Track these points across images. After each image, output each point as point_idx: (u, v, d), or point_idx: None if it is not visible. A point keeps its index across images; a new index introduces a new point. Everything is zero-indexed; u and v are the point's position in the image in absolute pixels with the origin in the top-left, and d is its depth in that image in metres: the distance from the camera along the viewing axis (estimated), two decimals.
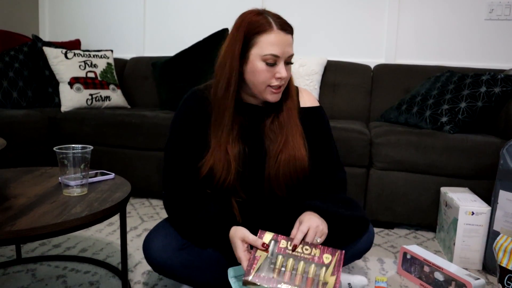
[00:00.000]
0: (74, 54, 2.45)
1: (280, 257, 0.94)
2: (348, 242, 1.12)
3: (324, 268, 0.92)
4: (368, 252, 1.44)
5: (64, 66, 2.39)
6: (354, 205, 1.13)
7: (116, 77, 2.60)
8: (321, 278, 0.90)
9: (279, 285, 0.89)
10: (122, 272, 1.21)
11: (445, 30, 2.48)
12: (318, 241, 0.98)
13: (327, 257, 0.94)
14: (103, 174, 1.30)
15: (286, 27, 1.04)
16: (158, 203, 2.15)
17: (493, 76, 1.87)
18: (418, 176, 1.80)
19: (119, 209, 1.08)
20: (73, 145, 1.12)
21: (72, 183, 1.10)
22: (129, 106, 2.60)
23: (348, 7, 2.61)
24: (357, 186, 1.87)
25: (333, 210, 1.04)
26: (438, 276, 1.30)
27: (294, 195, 1.13)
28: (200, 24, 2.84)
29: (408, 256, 1.42)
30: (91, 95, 2.39)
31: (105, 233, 1.72)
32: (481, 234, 1.48)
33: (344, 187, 1.19)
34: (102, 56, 2.57)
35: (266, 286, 0.89)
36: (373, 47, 2.60)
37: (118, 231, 1.73)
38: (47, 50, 2.41)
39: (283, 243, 0.97)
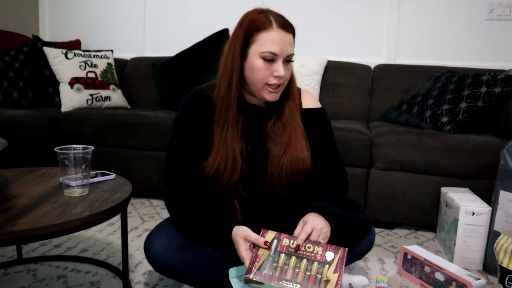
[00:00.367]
0: (75, 54, 2.45)
1: (282, 255, 0.94)
2: (350, 243, 1.12)
3: (327, 266, 0.91)
4: (368, 252, 1.44)
5: (64, 66, 2.39)
6: (357, 206, 1.13)
7: (116, 77, 2.60)
8: (323, 275, 0.90)
9: (280, 282, 0.89)
10: (123, 272, 1.21)
11: (445, 30, 2.48)
12: (321, 242, 0.98)
13: (329, 255, 0.94)
14: (103, 174, 1.30)
15: (286, 26, 1.04)
16: (158, 203, 2.15)
17: (494, 76, 1.87)
18: (419, 176, 1.80)
19: (120, 209, 1.08)
20: (74, 146, 1.12)
21: (73, 183, 1.10)
22: (129, 106, 2.60)
23: (349, 7, 2.61)
24: (358, 186, 1.87)
25: (338, 212, 1.04)
26: (439, 276, 1.30)
27: (295, 196, 1.13)
28: (200, 24, 2.84)
29: (409, 256, 1.42)
30: (91, 95, 2.39)
31: (106, 233, 1.72)
32: (481, 234, 1.48)
33: (346, 188, 1.19)
34: (102, 56, 2.57)
35: (267, 283, 0.89)
36: (374, 47, 2.60)
37: (119, 231, 1.74)
38: (47, 50, 2.41)
39: (285, 241, 0.97)
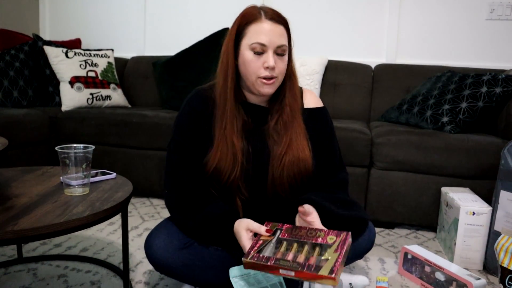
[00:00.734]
0: (75, 53, 2.45)
1: (284, 242, 0.94)
2: None
3: (328, 248, 0.90)
4: (369, 252, 1.44)
5: (64, 65, 2.39)
6: (353, 205, 1.13)
7: (116, 76, 2.60)
8: (324, 256, 0.88)
9: (278, 262, 0.87)
10: (123, 271, 1.21)
11: (446, 30, 2.48)
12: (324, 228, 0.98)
13: (331, 238, 0.92)
14: (104, 173, 1.30)
15: (275, 17, 1.05)
16: (159, 203, 2.15)
17: (494, 76, 1.87)
18: (419, 176, 1.80)
19: (121, 209, 1.08)
20: (75, 145, 1.12)
21: (73, 182, 1.10)
22: (129, 106, 2.60)
23: (349, 7, 2.61)
24: (358, 186, 1.87)
25: (330, 209, 1.04)
26: (439, 276, 1.30)
27: (297, 196, 1.13)
28: (200, 24, 2.84)
29: (409, 256, 1.42)
30: (91, 94, 2.38)
31: (106, 232, 1.72)
32: (482, 234, 1.48)
33: (345, 187, 1.18)
34: (103, 55, 2.57)
35: (264, 265, 0.87)
36: (374, 47, 2.60)
37: (119, 231, 1.74)
38: (48, 49, 2.41)
39: (287, 230, 0.97)
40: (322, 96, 2.40)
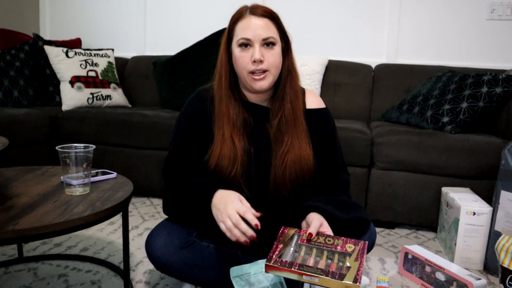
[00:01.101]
0: (75, 53, 2.45)
1: (303, 247, 0.95)
2: None
3: (347, 256, 0.92)
4: (369, 252, 1.44)
5: (65, 65, 2.39)
6: (354, 206, 1.12)
7: (117, 76, 2.60)
8: (344, 264, 0.90)
9: (301, 268, 0.89)
10: (124, 271, 1.21)
11: (446, 30, 2.48)
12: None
13: (350, 246, 0.95)
14: (104, 173, 1.30)
15: (259, 11, 1.07)
16: (159, 202, 2.15)
17: (495, 76, 1.87)
18: (419, 176, 1.80)
19: (121, 208, 1.08)
20: (75, 144, 1.12)
21: (74, 182, 1.10)
22: (130, 105, 2.60)
23: (349, 6, 2.61)
24: (358, 185, 1.87)
25: (334, 213, 1.04)
26: (440, 276, 1.30)
27: (299, 196, 1.13)
28: (201, 23, 2.84)
29: (410, 256, 1.42)
30: (92, 94, 2.38)
31: (106, 232, 1.72)
32: (482, 234, 1.48)
33: (347, 189, 1.18)
34: (103, 55, 2.56)
35: (287, 270, 0.89)
36: (374, 47, 2.60)
37: (119, 230, 1.73)
38: (48, 49, 2.41)
39: (306, 235, 0.98)
40: (322, 96, 2.40)
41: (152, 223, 1.85)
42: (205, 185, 1.06)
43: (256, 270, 1.04)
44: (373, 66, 2.50)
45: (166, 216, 1.30)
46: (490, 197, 1.56)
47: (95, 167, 1.28)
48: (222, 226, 0.97)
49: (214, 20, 2.77)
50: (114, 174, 1.30)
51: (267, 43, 1.06)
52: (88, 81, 2.40)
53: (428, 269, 1.35)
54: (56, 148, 1.09)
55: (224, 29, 1.14)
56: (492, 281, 1.43)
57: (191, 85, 2.35)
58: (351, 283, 0.84)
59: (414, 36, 2.53)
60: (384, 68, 2.45)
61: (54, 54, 2.40)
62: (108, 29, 3.06)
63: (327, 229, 1.00)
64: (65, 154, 1.07)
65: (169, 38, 2.93)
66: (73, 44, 2.80)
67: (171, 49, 2.81)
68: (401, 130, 1.87)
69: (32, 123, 2.09)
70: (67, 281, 1.30)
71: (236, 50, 1.08)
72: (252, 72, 1.06)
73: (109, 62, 2.57)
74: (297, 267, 0.89)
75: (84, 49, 2.52)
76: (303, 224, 1.05)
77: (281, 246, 0.95)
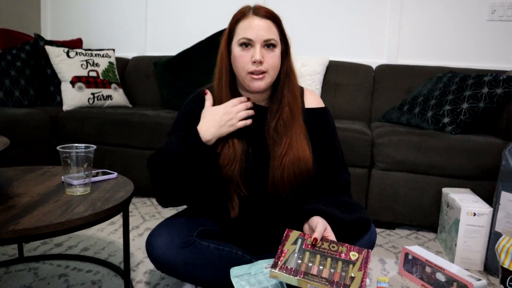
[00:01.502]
0: (76, 53, 2.45)
1: (307, 253, 0.95)
2: (350, 241, 1.12)
3: (351, 265, 0.92)
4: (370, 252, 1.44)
5: (66, 65, 2.39)
6: (355, 206, 1.12)
7: (117, 76, 2.60)
8: (348, 273, 0.91)
9: (306, 277, 0.89)
10: (124, 271, 1.21)
11: (447, 31, 2.48)
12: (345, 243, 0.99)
13: (353, 254, 0.95)
14: (105, 173, 1.30)
15: (262, 12, 1.07)
16: None
17: (495, 77, 1.87)
18: (420, 177, 1.80)
19: (122, 208, 1.08)
20: (76, 145, 1.12)
21: (75, 182, 1.10)
22: (130, 105, 2.60)
23: (350, 7, 2.61)
24: (359, 186, 1.87)
25: (336, 215, 1.04)
26: (440, 276, 1.30)
27: (298, 197, 1.13)
28: (202, 24, 2.84)
29: (410, 257, 1.42)
30: (93, 94, 2.39)
31: (107, 232, 1.72)
32: (482, 235, 1.48)
33: (347, 189, 1.18)
34: (104, 55, 2.57)
35: (293, 277, 0.89)
36: (375, 47, 2.60)
37: (120, 230, 1.74)
38: (49, 49, 2.42)
39: (310, 240, 0.98)
40: (323, 96, 2.40)
41: (152, 223, 1.85)
42: (186, 134, 1.09)
43: (256, 270, 1.05)
44: (374, 66, 2.50)
45: (166, 216, 1.31)
46: (490, 198, 1.56)
47: (96, 167, 1.29)
48: (223, 118, 1.06)
49: (215, 20, 2.77)
50: (115, 174, 1.30)
51: (268, 45, 1.06)
52: (89, 81, 2.41)
53: (428, 269, 1.35)
54: (57, 148, 1.09)
55: (225, 29, 1.14)
56: (493, 282, 1.43)
57: (191, 85, 2.36)
58: None
59: (415, 36, 2.53)
60: (385, 69, 2.45)
61: (55, 54, 2.40)
62: (109, 29, 3.07)
63: (331, 234, 0.99)
64: (66, 154, 1.07)
65: (170, 38, 2.94)
66: (74, 44, 2.80)
67: (172, 49, 2.81)
68: (401, 130, 1.87)
69: (33, 123, 2.09)
70: (67, 281, 1.30)
71: (236, 49, 1.08)
72: (251, 72, 1.06)
73: (110, 62, 2.57)
74: (302, 276, 0.89)
75: (85, 49, 2.53)
76: (305, 227, 1.05)
77: (286, 251, 0.95)
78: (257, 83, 1.08)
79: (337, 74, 2.45)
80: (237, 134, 1.10)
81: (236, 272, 1.03)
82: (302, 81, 2.34)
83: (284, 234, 1.00)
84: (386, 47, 2.58)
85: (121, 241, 1.63)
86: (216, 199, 1.15)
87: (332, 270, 0.91)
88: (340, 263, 0.93)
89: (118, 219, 1.86)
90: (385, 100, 2.36)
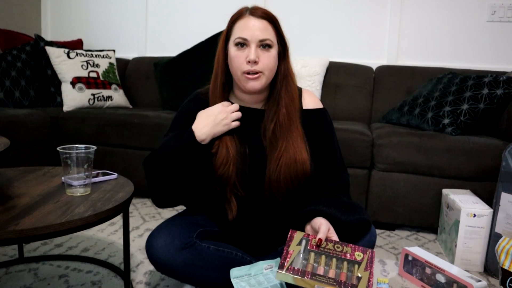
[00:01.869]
0: (77, 54, 2.46)
1: (312, 253, 0.95)
2: (351, 242, 1.12)
3: (356, 265, 0.93)
4: None
5: (66, 66, 2.40)
6: (355, 207, 1.12)
7: (118, 77, 2.60)
8: (354, 273, 0.91)
9: (314, 277, 0.89)
10: (124, 272, 1.21)
11: (447, 32, 2.48)
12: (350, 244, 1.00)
13: (359, 255, 0.95)
14: (105, 174, 1.30)
15: (258, 13, 1.07)
16: None
17: (495, 78, 1.87)
18: (420, 178, 1.80)
19: (122, 209, 1.08)
20: (77, 145, 1.12)
21: (75, 183, 1.10)
22: (131, 106, 2.60)
23: (350, 8, 2.61)
24: (359, 187, 1.87)
25: (337, 216, 1.04)
26: (440, 278, 1.30)
27: (295, 199, 1.13)
28: (202, 25, 2.84)
29: (410, 258, 1.42)
30: (93, 94, 2.39)
31: (107, 232, 1.72)
32: (482, 236, 1.48)
33: (347, 190, 1.18)
34: (104, 56, 2.57)
35: (301, 278, 0.89)
36: (375, 49, 2.60)
37: (120, 231, 1.74)
38: (50, 49, 2.42)
39: (314, 241, 0.98)
40: (323, 97, 2.40)
41: (152, 224, 1.85)
42: (181, 133, 1.09)
43: (256, 271, 1.05)
44: (374, 67, 2.50)
45: (166, 217, 1.31)
46: (490, 199, 1.56)
47: (96, 167, 1.29)
48: (218, 117, 1.07)
49: (215, 21, 2.77)
50: (115, 175, 1.31)
51: (264, 45, 1.06)
52: (89, 82, 2.41)
53: (428, 270, 1.35)
54: (57, 148, 1.09)
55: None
56: (493, 283, 1.43)
57: (192, 86, 2.36)
58: None
59: (415, 37, 2.53)
60: (385, 70, 2.46)
61: (56, 55, 2.40)
62: (110, 30, 3.07)
63: (334, 235, 1.00)
64: (66, 154, 1.08)
65: (170, 39, 2.94)
66: (75, 45, 2.80)
67: (172, 50, 2.81)
68: (401, 131, 1.87)
69: (33, 124, 2.09)
70: (67, 282, 1.30)
71: (232, 49, 1.08)
72: (246, 72, 1.07)
73: (110, 63, 2.58)
74: (309, 276, 0.89)
75: (86, 50, 2.53)
76: (308, 228, 1.05)
77: (291, 252, 0.95)
78: (252, 83, 1.08)
79: (337, 75, 2.45)
80: (232, 135, 1.10)
81: (236, 273, 1.04)
82: (302, 82, 2.34)
83: (288, 235, 1.00)
84: (386, 48, 2.58)
85: (121, 241, 1.63)
86: (214, 201, 1.15)
87: (338, 270, 0.91)
88: (345, 263, 0.93)
89: (118, 219, 1.86)
90: (385, 101, 2.37)
